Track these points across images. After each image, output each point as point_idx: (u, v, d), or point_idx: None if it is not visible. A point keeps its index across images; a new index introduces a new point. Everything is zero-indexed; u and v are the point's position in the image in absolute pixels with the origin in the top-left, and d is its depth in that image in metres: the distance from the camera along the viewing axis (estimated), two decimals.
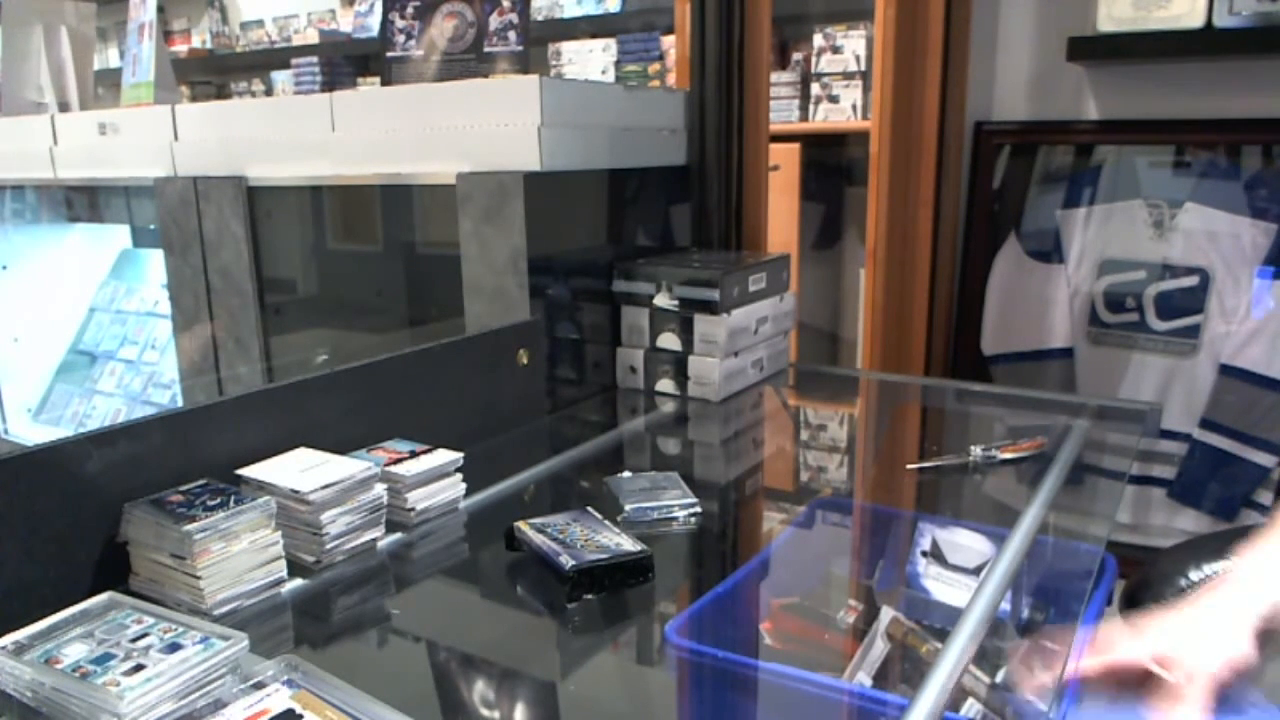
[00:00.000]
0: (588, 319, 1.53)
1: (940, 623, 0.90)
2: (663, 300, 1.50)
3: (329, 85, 3.81)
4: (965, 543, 0.98)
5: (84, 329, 2.58)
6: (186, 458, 0.92)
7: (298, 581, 0.89)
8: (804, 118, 2.63)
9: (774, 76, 2.58)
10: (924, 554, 0.98)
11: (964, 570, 0.94)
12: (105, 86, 2.69)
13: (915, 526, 1.02)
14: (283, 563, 0.88)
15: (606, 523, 0.96)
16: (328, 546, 0.90)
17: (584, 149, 1.47)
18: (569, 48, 3.22)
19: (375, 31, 3.76)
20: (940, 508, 1.18)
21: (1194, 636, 0.73)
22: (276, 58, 4.17)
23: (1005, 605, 0.82)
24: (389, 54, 1.70)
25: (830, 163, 2.71)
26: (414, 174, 1.51)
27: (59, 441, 0.83)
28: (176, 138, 1.85)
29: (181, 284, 1.89)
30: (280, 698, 0.66)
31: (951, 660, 0.70)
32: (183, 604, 0.82)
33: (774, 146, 1.92)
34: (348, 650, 0.84)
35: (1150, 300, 2.13)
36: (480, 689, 0.78)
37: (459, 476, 1.05)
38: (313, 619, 0.87)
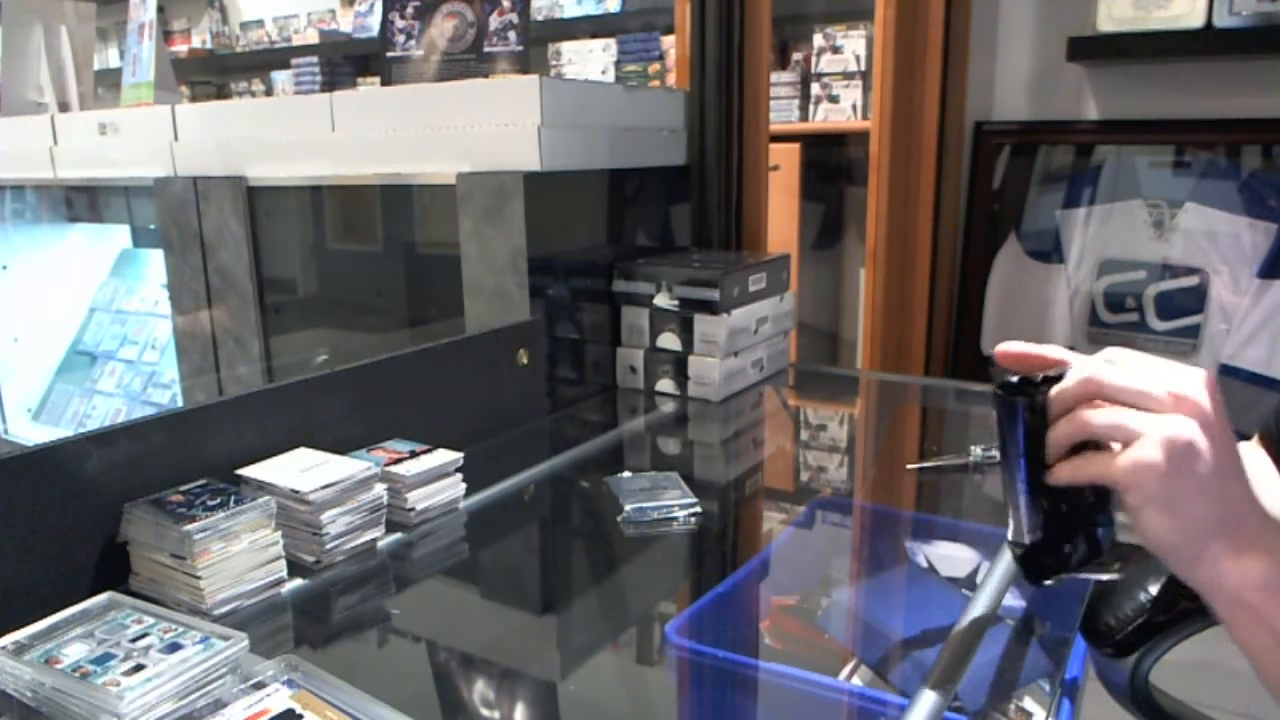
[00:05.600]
0: (588, 319, 1.53)
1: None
2: (663, 300, 1.50)
3: (329, 85, 3.81)
4: (952, 554, 0.99)
5: (84, 329, 2.58)
6: (186, 458, 0.92)
7: (298, 581, 0.89)
8: (804, 118, 2.63)
9: (774, 76, 2.58)
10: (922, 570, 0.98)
11: (957, 580, 0.94)
12: (105, 86, 2.69)
13: (908, 548, 1.02)
14: (283, 563, 0.88)
15: None
16: (328, 546, 0.90)
17: (584, 149, 1.47)
18: (569, 48, 3.22)
19: (375, 31, 3.76)
20: (940, 508, 1.19)
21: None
22: (276, 58, 4.17)
23: (1008, 603, 0.82)
24: (389, 54, 1.70)
25: (830, 163, 2.71)
26: (414, 174, 1.51)
27: (59, 441, 0.83)
28: (176, 138, 1.85)
29: (181, 284, 1.89)
30: (280, 698, 0.66)
31: (951, 660, 0.71)
32: (183, 604, 0.82)
33: (774, 146, 1.92)
34: (348, 650, 0.84)
35: (1150, 300, 2.13)
36: (480, 689, 0.78)
37: (459, 476, 1.05)
38: (313, 619, 0.87)
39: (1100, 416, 0.60)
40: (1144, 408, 0.59)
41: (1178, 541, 0.60)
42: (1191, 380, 0.59)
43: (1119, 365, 0.61)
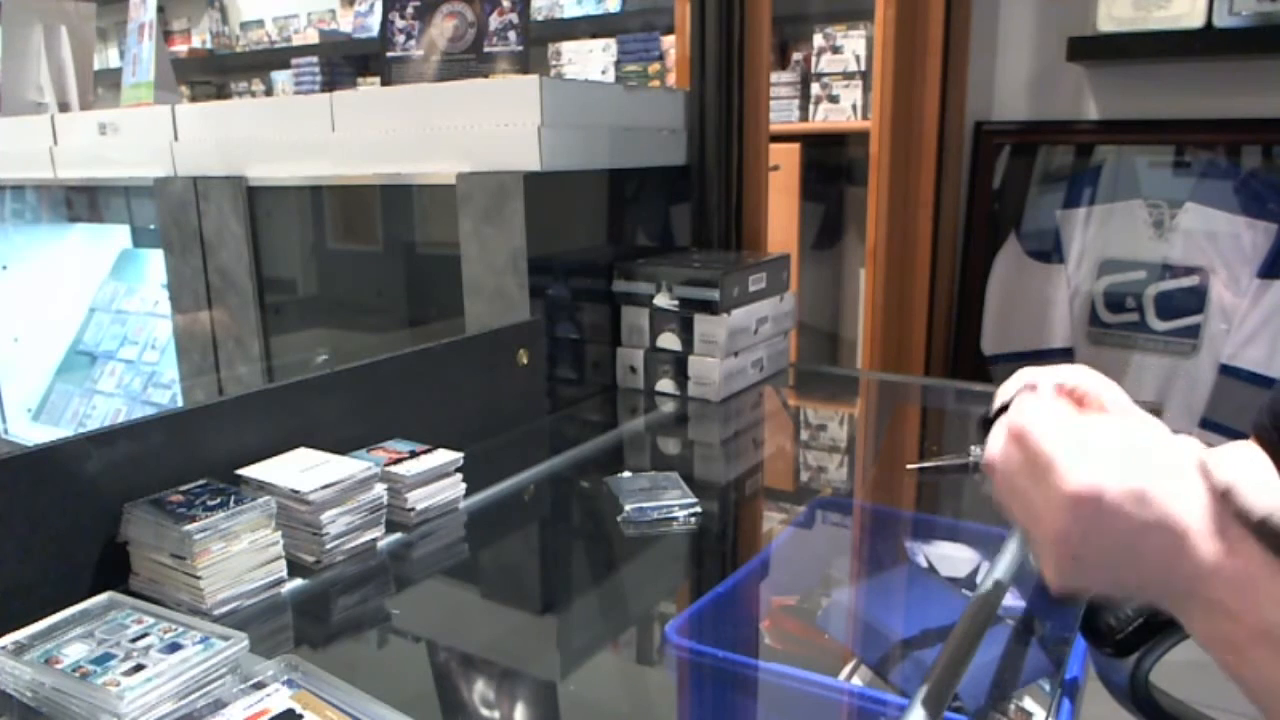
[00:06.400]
0: (588, 319, 1.53)
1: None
2: (663, 300, 1.50)
3: (329, 85, 3.81)
4: (952, 554, 0.99)
5: (84, 329, 2.58)
6: (186, 458, 0.92)
7: (298, 581, 0.89)
8: (804, 118, 2.63)
9: (774, 76, 2.58)
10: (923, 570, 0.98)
11: (957, 580, 0.94)
12: (105, 86, 2.69)
13: (908, 548, 1.02)
14: (283, 563, 0.88)
15: None
16: (328, 546, 0.90)
17: (584, 149, 1.47)
18: (569, 48, 3.22)
19: (375, 31, 3.76)
20: (940, 508, 1.19)
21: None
22: (276, 58, 4.17)
23: (1008, 603, 0.82)
24: (389, 54, 1.70)
25: (830, 163, 2.71)
26: (414, 174, 1.51)
27: (59, 441, 0.83)
28: (176, 138, 1.85)
29: (181, 284, 1.89)
30: (280, 698, 0.66)
31: (951, 659, 0.70)
32: (183, 604, 0.82)
33: (774, 146, 1.92)
34: (348, 650, 0.84)
35: (1150, 300, 2.13)
36: (480, 689, 0.78)
37: (459, 476, 1.05)
38: (313, 619, 0.87)
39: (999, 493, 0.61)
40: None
41: (1113, 593, 0.57)
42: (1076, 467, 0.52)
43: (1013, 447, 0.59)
